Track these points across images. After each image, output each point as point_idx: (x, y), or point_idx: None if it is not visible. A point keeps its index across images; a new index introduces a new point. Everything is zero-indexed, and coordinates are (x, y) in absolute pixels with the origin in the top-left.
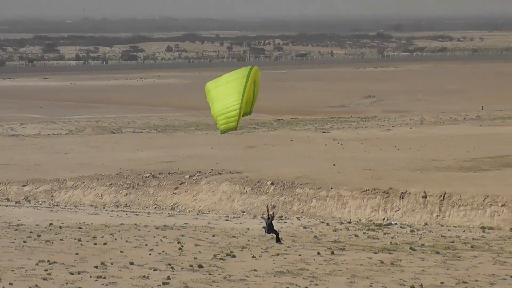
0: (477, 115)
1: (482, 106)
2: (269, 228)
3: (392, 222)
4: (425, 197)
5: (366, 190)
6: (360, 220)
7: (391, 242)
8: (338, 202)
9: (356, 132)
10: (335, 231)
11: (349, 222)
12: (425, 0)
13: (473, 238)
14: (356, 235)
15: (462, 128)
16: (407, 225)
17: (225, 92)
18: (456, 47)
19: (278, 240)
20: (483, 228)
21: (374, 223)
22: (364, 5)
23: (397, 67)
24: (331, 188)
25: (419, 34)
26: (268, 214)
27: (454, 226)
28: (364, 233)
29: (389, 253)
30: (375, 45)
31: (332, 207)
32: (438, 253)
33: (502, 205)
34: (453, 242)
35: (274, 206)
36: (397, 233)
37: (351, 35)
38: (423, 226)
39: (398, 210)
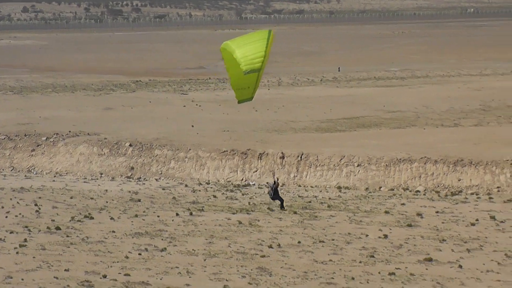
0: (334, 77)
1: (339, 68)
2: (274, 194)
3: (251, 183)
4: (283, 157)
5: (225, 151)
6: (218, 181)
7: (249, 203)
8: (197, 163)
9: (215, 94)
10: (193, 192)
11: (208, 183)
12: None
13: (329, 198)
14: (214, 196)
15: (319, 90)
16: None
17: (248, 41)
18: (313, 9)
19: (282, 206)
20: (339, 188)
21: (232, 184)
22: None
23: (255, 29)
24: (190, 149)
25: None
26: (274, 180)
27: (311, 186)
28: (222, 194)
29: (247, 213)
30: (233, 7)
31: (191, 168)
32: (295, 213)
33: (358, 165)
34: (310, 202)
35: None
36: (255, 193)
37: None
38: (281, 186)
39: (256, 171)
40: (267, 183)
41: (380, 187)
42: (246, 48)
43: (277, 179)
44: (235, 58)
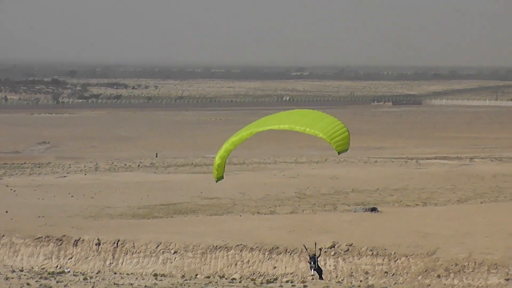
0: (151, 162)
1: (156, 154)
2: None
3: (65, 270)
4: (99, 244)
5: (39, 237)
6: (32, 268)
7: None
8: (10, 250)
9: (30, 179)
10: (6, 279)
11: (21, 270)
12: (100, 47)
13: (145, 286)
14: (28, 284)
15: (136, 175)
16: (80, 272)
17: (318, 120)
18: (131, 94)
19: (321, 277)
20: (155, 275)
21: (47, 271)
22: (38, 50)
23: (72, 113)
24: (3, 235)
25: (94, 81)
26: (314, 253)
27: (127, 274)
28: (36, 281)
29: None
30: (50, 91)
31: (4, 255)
32: None
33: (174, 252)
34: None
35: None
36: (70, 281)
37: (26, 80)
38: (96, 273)
39: (71, 258)
40: (308, 254)
41: (197, 275)
42: (328, 129)
43: (321, 250)
44: (322, 134)
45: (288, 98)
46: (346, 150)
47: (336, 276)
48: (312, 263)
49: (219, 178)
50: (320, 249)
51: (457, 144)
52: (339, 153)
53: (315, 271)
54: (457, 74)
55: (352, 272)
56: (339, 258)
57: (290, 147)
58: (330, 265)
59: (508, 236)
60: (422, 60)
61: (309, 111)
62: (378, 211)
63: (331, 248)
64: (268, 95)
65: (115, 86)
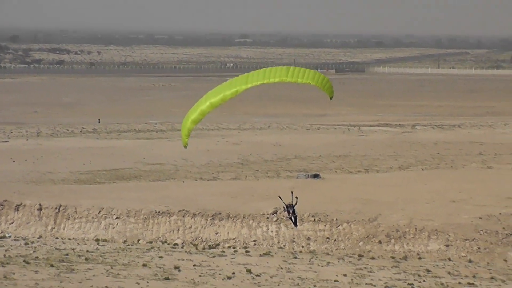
0: (94, 128)
1: (99, 119)
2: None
3: (7, 235)
4: (40, 209)
5: None
6: None
7: (4, 255)
8: None
9: None
10: None
11: None
12: (42, 12)
13: (87, 251)
14: None
15: (79, 141)
16: (22, 237)
17: (302, 70)
18: (73, 60)
19: (296, 224)
20: (97, 240)
21: None
22: None
23: (14, 78)
24: None
25: (36, 46)
26: (290, 202)
27: (69, 239)
28: None
29: (3, 266)
30: None
31: None
32: (52, 265)
33: (117, 218)
34: (67, 254)
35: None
36: (11, 246)
37: None
38: (38, 238)
39: (12, 223)
40: (286, 208)
41: (139, 240)
42: (317, 77)
43: (297, 198)
44: (313, 82)
45: (231, 65)
46: (333, 96)
47: (278, 242)
48: (291, 211)
49: (187, 143)
50: (297, 198)
51: (399, 111)
52: (331, 98)
53: (291, 218)
54: (399, 42)
55: (294, 238)
56: (281, 224)
57: (233, 114)
58: (272, 231)
59: (448, 202)
60: (365, 28)
61: (289, 66)
62: (320, 177)
63: (273, 214)
64: (212, 62)
65: (57, 52)
